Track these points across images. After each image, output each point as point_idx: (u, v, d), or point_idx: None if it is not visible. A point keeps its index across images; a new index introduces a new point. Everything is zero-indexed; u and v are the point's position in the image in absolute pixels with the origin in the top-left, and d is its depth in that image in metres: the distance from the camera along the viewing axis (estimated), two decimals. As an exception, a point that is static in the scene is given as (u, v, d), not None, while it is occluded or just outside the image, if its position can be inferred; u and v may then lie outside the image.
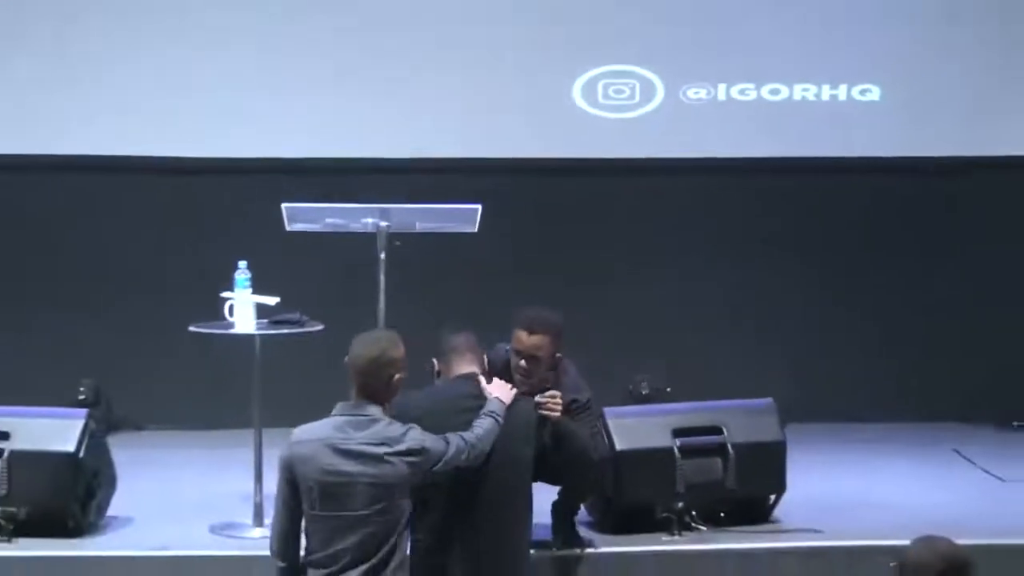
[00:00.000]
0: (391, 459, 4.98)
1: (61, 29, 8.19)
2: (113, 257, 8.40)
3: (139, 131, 8.24)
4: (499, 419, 5.29)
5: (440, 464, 5.12)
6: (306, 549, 5.07)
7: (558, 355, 5.90)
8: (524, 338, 5.85)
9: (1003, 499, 7.13)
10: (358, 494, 4.96)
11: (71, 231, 8.41)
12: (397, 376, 5.10)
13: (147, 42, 8.21)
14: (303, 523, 5.06)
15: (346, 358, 5.12)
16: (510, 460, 5.37)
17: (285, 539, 5.08)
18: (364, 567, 4.98)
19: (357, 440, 4.99)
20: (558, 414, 5.64)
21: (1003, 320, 8.63)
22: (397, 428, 5.06)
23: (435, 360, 5.65)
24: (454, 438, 5.17)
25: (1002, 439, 8.35)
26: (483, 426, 5.26)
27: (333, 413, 5.09)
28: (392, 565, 5.01)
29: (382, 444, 4.99)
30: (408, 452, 5.01)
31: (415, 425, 5.10)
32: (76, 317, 8.34)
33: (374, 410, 5.05)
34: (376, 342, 5.15)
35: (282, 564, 5.08)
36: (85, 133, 8.22)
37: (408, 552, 5.12)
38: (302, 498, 5.01)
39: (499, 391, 5.39)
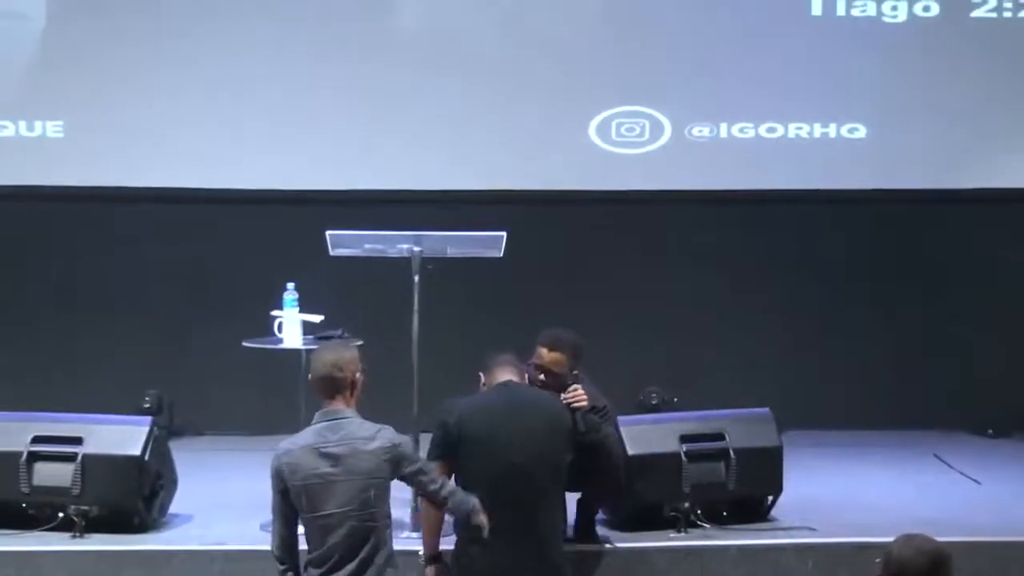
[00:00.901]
0: (364, 456, 4.92)
1: (141, 76, 8.22)
2: (179, 280, 8.42)
3: (205, 167, 8.24)
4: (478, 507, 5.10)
5: (411, 467, 4.99)
6: (307, 550, 5.03)
7: (575, 372, 5.90)
8: (544, 354, 5.88)
9: (979, 500, 7.11)
10: (338, 492, 4.91)
11: (141, 255, 8.43)
12: (357, 374, 5.05)
13: (207, 88, 8.24)
14: (301, 528, 5.02)
15: (308, 375, 5.08)
16: (543, 457, 5.35)
17: (283, 546, 5.03)
18: (353, 564, 4.92)
19: (334, 442, 4.94)
20: (584, 403, 5.66)
21: (978, 337, 8.60)
22: (369, 427, 5.00)
23: (481, 374, 5.68)
24: (430, 463, 5.11)
25: (977, 445, 8.31)
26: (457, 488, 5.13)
27: (313, 422, 5.05)
28: (378, 561, 4.94)
29: (355, 441, 4.94)
30: (380, 449, 4.94)
31: (388, 426, 5.05)
32: (143, 334, 8.37)
33: (347, 412, 5.00)
34: (329, 350, 5.13)
35: (282, 567, 5.04)
36: (158, 168, 8.23)
37: (393, 547, 5.04)
38: (295, 503, 4.96)
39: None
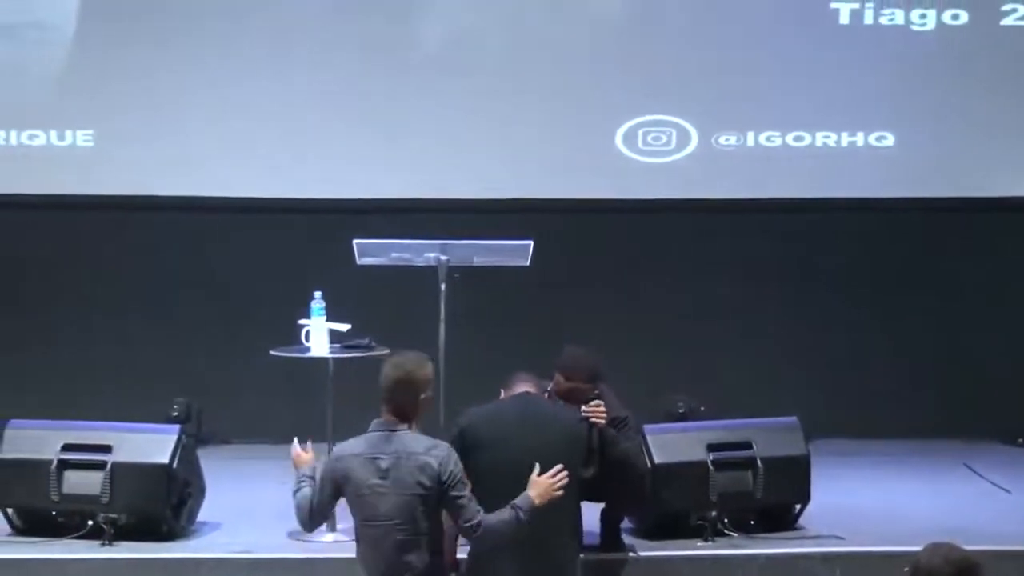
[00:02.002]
0: (413, 471, 4.88)
1: (171, 85, 8.25)
2: (207, 289, 8.44)
3: (234, 176, 8.28)
4: (522, 516, 4.97)
5: (455, 492, 4.90)
6: (358, 555, 5.03)
7: (596, 392, 5.88)
8: (562, 382, 5.88)
9: (1009, 509, 7.07)
10: (385, 504, 4.88)
11: (171, 264, 8.46)
12: (424, 396, 5.00)
13: (236, 98, 8.27)
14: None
15: (382, 378, 5.03)
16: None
17: (312, 518, 5.05)
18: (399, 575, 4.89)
19: (387, 454, 4.91)
20: (603, 421, 5.65)
21: (1007, 345, 8.55)
22: (424, 441, 4.96)
23: (502, 390, 5.70)
24: (474, 502, 4.96)
25: (1008, 455, 8.27)
26: (502, 516, 4.97)
27: (369, 429, 5.02)
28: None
29: (407, 456, 4.90)
30: (430, 466, 4.89)
31: (442, 442, 5.01)
32: (171, 343, 8.40)
33: (403, 426, 4.96)
34: (403, 364, 5.01)
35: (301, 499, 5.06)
36: (188, 177, 8.26)
37: (458, 570, 5.07)
38: (351, 510, 4.96)
39: (539, 491, 5.05)
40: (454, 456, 4.98)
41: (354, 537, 5.07)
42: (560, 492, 5.06)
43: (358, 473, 4.93)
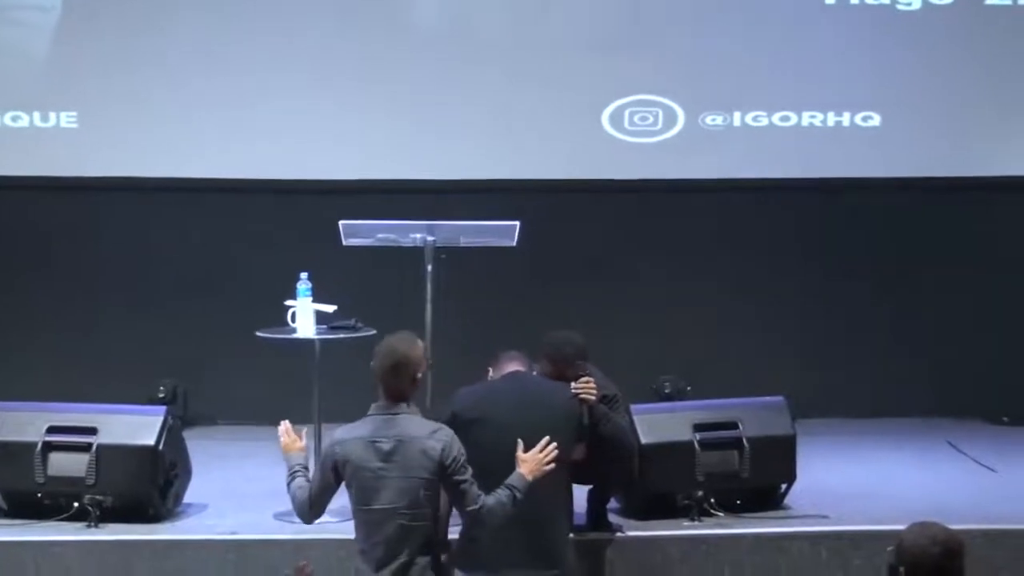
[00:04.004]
0: (416, 455, 4.85)
1: (155, 66, 8.21)
2: (191, 270, 8.43)
3: (218, 157, 8.25)
4: (518, 495, 4.98)
5: (457, 476, 4.86)
6: (356, 540, 4.99)
7: (580, 372, 5.86)
8: (548, 367, 5.86)
9: (993, 488, 7.07)
10: (388, 489, 4.85)
11: (156, 245, 8.44)
12: (419, 375, 4.98)
13: (221, 79, 8.24)
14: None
15: (372, 363, 5.00)
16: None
17: (312, 508, 5.02)
18: (397, 562, 4.85)
19: (388, 437, 4.88)
20: (594, 397, 5.65)
21: (994, 324, 8.57)
22: (427, 425, 4.93)
23: (490, 368, 5.68)
24: (475, 486, 4.92)
25: (992, 433, 8.28)
26: (499, 497, 4.97)
27: (368, 413, 4.99)
28: (421, 563, 4.86)
29: (409, 439, 4.87)
30: (433, 450, 4.86)
31: (444, 426, 4.99)
32: (157, 324, 8.38)
33: (403, 408, 4.93)
34: (396, 349, 4.98)
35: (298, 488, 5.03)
36: (172, 158, 8.24)
37: (449, 550, 5.01)
38: (349, 494, 4.93)
39: (530, 467, 5.06)
40: (456, 441, 4.94)
41: (351, 519, 5.03)
42: (551, 466, 5.06)
43: (359, 457, 4.88)
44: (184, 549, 6.16)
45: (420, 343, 5.07)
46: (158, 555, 6.15)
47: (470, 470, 4.95)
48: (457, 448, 4.92)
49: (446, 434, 4.94)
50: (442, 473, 4.87)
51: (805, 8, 8.41)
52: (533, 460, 5.04)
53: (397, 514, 4.85)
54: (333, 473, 4.96)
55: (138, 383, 8.03)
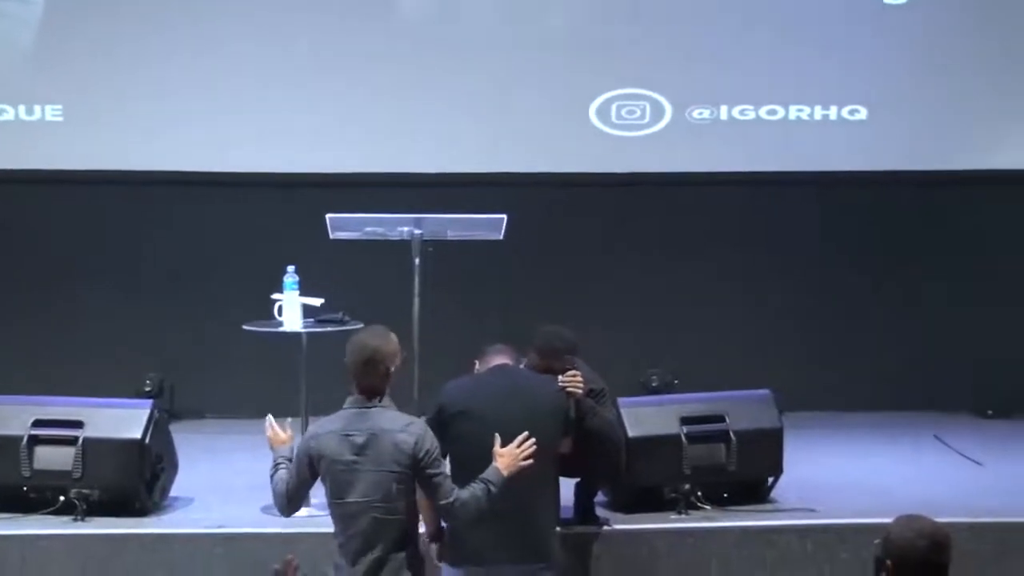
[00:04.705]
0: (389, 448, 4.83)
1: (140, 59, 8.20)
2: (177, 263, 8.43)
3: (205, 150, 8.25)
4: (492, 489, 4.95)
5: (431, 470, 4.84)
6: (334, 534, 4.98)
7: (568, 366, 5.86)
8: (538, 362, 5.87)
9: (979, 481, 7.10)
10: (361, 482, 4.83)
11: (142, 239, 8.43)
12: (392, 368, 4.94)
13: (206, 72, 8.23)
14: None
15: (346, 357, 4.96)
16: (537, 440, 5.33)
17: (290, 502, 5.01)
18: (370, 556, 4.84)
19: (361, 430, 4.86)
20: (580, 390, 5.67)
21: (979, 319, 8.60)
22: (400, 419, 4.92)
23: (476, 361, 5.68)
24: (449, 480, 4.91)
25: (978, 426, 8.32)
26: (474, 491, 4.94)
27: (344, 407, 4.97)
28: (397, 557, 4.84)
29: (383, 432, 4.85)
30: (406, 443, 4.84)
31: (418, 419, 4.98)
32: (143, 317, 8.37)
33: (376, 402, 4.91)
34: (367, 343, 4.93)
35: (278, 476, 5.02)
36: (158, 151, 8.24)
37: (420, 546, 4.97)
38: (324, 488, 4.93)
39: (506, 462, 5.02)
40: (430, 434, 4.93)
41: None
42: (529, 461, 5.05)
43: (333, 450, 4.88)
44: (171, 543, 6.16)
45: (393, 336, 5.03)
46: (145, 549, 6.14)
47: (444, 464, 4.94)
48: (430, 441, 4.89)
49: (419, 427, 4.93)
50: (415, 466, 4.85)
51: (792, 2, 8.42)
52: (510, 455, 5.02)
53: (371, 507, 4.85)
54: (308, 468, 4.95)
55: (124, 376, 8.02)
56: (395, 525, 4.88)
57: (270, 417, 5.20)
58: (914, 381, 8.54)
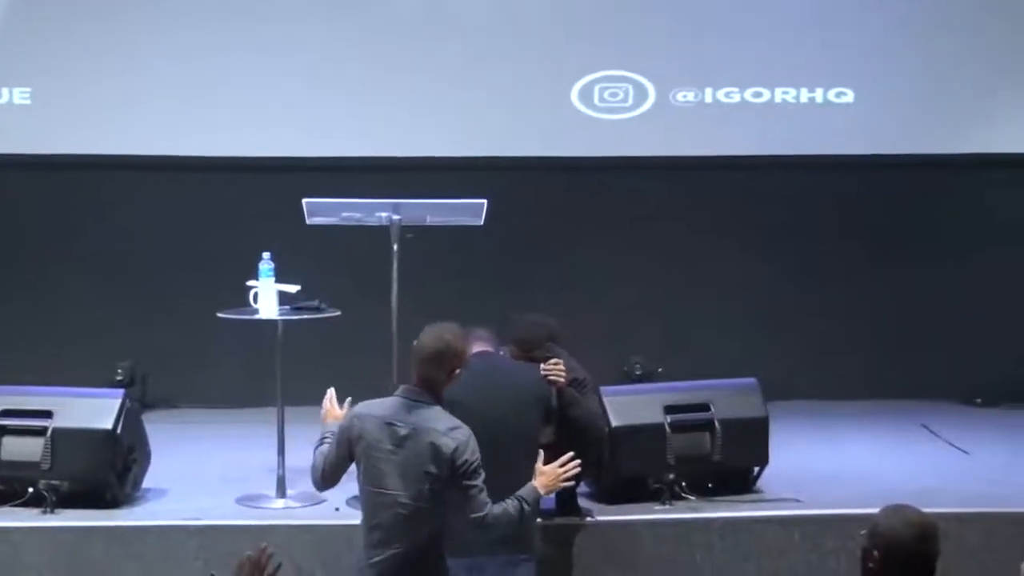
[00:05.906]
0: (427, 447, 4.72)
1: (111, 42, 8.14)
2: (149, 249, 8.38)
3: (178, 134, 8.21)
4: (526, 507, 4.83)
5: (467, 481, 4.70)
6: (361, 520, 4.90)
7: (549, 354, 5.83)
8: (517, 352, 5.84)
9: (967, 470, 7.10)
10: (393, 474, 4.73)
11: (114, 225, 8.38)
12: (458, 370, 4.84)
13: (181, 55, 8.18)
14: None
15: (414, 342, 4.89)
16: (514, 427, 5.31)
17: (323, 478, 4.91)
18: (391, 550, 4.74)
19: (405, 423, 4.76)
20: (563, 379, 5.63)
21: (967, 306, 8.60)
22: (447, 420, 4.79)
23: None
24: (484, 493, 4.77)
25: (966, 415, 8.32)
26: (506, 507, 4.81)
27: (395, 394, 4.88)
28: (419, 558, 4.73)
29: (425, 430, 4.74)
30: (446, 447, 4.71)
31: (465, 426, 4.80)
32: (115, 305, 8.32)
33: (430, 398, 4.80)
34: (441, 337, 4.82)
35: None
36: (130, 135, 8.19)
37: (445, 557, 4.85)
38: (357, 469, 4.82)
39: (545, 481, 4.90)
40: (473, 443, 4.78)
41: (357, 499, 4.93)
42: (570, 483, 4.95)
43: (373, 435, 4.76)
44: (143, 535, 6.12)
45: (468, 339, 4.94)
46: (116, 541, 6.10)
47: (482, 476, 4.78)
48: (471, 450, 4.73)
49: (463, 434, 4.76)
50: (452, 473, 4.71)
51: (778, -17, 8.41)
52: (552, 474, 4.90)
53: (397, 503, 4.74)
54: (347, 447, 4.83)
55: (95, 365, 7.97)
56: (420, 525, 4.75)
57: (331, 391, 5.09)
58: (902, 369, 8.54)
